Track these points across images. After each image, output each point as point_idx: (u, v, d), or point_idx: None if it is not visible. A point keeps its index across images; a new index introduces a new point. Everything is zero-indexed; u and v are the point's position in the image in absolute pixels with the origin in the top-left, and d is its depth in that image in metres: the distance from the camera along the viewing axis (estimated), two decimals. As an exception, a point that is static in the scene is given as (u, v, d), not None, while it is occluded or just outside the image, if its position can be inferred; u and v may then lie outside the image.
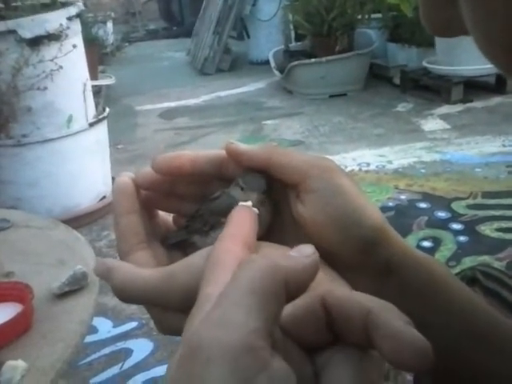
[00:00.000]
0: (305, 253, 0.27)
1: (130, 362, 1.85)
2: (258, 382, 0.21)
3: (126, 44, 7.59)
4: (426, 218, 2.56)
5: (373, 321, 0.24)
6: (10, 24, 2.45)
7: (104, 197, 2.90)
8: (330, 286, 0.34)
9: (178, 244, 0.40)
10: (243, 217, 0.33)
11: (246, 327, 0.22)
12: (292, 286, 0.25)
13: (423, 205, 2.69)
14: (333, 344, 0.26)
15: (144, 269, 0.35)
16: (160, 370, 1.79)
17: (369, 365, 0.25)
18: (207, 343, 0.22)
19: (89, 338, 1.92)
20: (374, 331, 0.24)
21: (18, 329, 1.04)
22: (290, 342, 0.26)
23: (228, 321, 0.23)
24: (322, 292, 0.27)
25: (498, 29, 0.21)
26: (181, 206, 0.41)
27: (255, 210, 0.35)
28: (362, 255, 0.36)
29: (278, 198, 0.39)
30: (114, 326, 2.04)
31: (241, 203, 0.35)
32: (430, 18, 0.26)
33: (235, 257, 0.30)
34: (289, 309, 0.26)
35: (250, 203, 0.36)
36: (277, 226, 0.39)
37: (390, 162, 3.26)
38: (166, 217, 0.42)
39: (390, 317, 0.24)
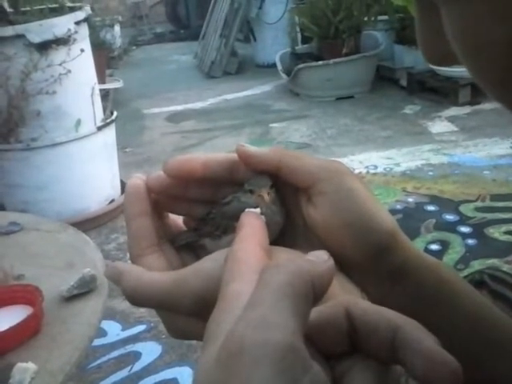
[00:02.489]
0: (322, 258, 0.27)
1: (138, 365, 1.85)
2: (303, 383, 0.22)
3: (134, 47, 7.62)
4: (434, 220, 2.55)
5: (403, 338, 0.25)
6: (18, 29, 2.47)
7: (112, 200, 2.92)
8: (340, 291, 0.34)
9: (186, 245, 0.40)
10: (253, 221, 0.34)
11: (286, 329, 0.23)
12: (317, 289, 0.26)
13: (431, 207, 2.69)
14: (349, 353, 0.27)
15: (155, 272, 0.35)
16: (169, 373, 1.80)
17: (387, 377, 0.26)
18: (251, 344, 0.22)
19: (98, 341, 1.92)
20: (405, 348, 0.25)
21: (28, 331, 1.04)
22: (311, 348, 0.27)
23: (269, 323, 0.23)
24: (346, 302, 0.27)
25: (486, 67, 0.23)
26: (191, 208, 0.41)
27: (262, 216, 0.35)
28: (372, 259, 0.37)
29: (289, 202, 0.39)
30: (122, 329, 2.04)
31: (247, 210, 0.36)
32: (427, 51, 0.28)
33: (256, 257, 0.30)
34: (312, 316, 0.26)
35: (258, 210, 0.36)
36: (288, 230, 0.39)
37: (397, 164, 3.25)
38: (175, 217, 0.42)
39: (421, 335, 0.25)
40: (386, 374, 0.26)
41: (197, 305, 0.32)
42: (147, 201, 0.38)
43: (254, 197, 0.37)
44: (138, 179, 0.39)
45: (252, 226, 0.33)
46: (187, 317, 0.34)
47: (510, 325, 0.38)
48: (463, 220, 2.53)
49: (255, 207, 0.36)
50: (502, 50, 0.22)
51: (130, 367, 1.85)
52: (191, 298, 0.33)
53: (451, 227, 2.48)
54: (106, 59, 5.20)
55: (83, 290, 1.15)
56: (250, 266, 0.29)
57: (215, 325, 0.26)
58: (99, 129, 2.79)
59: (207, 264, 0.33)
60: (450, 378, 0.23)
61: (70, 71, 2.56)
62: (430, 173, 3.08)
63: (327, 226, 0.37)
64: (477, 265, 2.15)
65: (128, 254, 0.39)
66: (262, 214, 0.36)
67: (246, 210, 0.36)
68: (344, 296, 0.34)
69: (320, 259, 0.27)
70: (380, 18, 4.67)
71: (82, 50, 2.63)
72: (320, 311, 0.27)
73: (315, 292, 0.25)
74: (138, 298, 0.35)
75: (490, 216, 2.53)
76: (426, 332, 0.25)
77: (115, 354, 1.92)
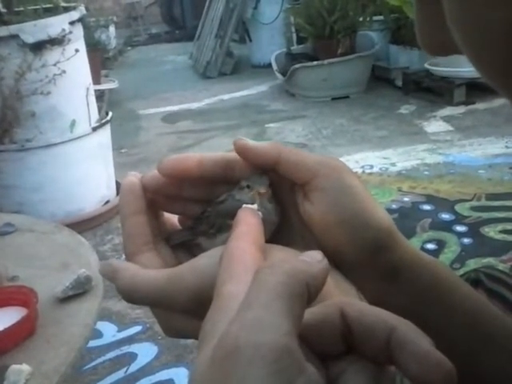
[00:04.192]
0: (316, 258, 0.27)
1: (134, 366, 1.85)
2: (298, 383, 0.22)
3: (129, 48, 7.62)
4: (429, 220, 2.56)
5: (398, 339, 0.25)
6: (12, 29, 2.46)
7: (108, 201, 2.91)
8: (336, 290, 0.34)
9: (181, 244, 0.40)
10: (250, 218, 0.34)
11: (281, 329, 0.23)
12: (311, 290, 0.26)
13: (427, 207, 2.69)
14: (344, 354, 0.27)
15: (150, 270, 0.35)
16: (165, 374, 1.79)
17: (383, 378, 0.26)
18: (246, 345, 0.22)
19: (93, 343, 1.92)
20: (400, 349, 0.25)
21: (23, 333, 1.04)
22: (306, 349, 0.26)
23: (263, 323, 0.23)
24: (341, 303, 0.27)
25: (487, 56, 0.23)
26: (186, 207, 0.41)
27: (259, 213, 0.35)
28: (369, 256, 0.36)
29: (285, 199, 0.39)
30: (118, 331, 2.04)
31: (245, 205, 0.36)
32: (425, 40, 0.28)
33: (252, 256, 0.30)
34: (307, 317, 0.26)
35: (255, 206, 0.36)
36: (284, 228, 0.39)
37: (393, 164, 3.25)
38: (171, 216, 0.42)
39: (416, 337, 0.25)
40: (381, 375, 0.26)
41: (192, 302, 0.32)
42: (142, 199, 0.38)
43: (252, 193, 0.37)
44: (133, 177, 0.39)
45: (248, 224, 0.33)
46: (183, 315, 0.34)
47: (506, 322, 0.38)
48: (459, 219, 2.53)
49: (250, 204, 0.36)
50: (503, 39, 0.21)
51: (125, 368, 1.84)
52: (186, 295, 0.32)
53: (447, 226, 2.48)
54: (100, 60, 5.19)
55: (78, 291, 1.14)
56: (245, 265, 0.29)
57: (210, 325, 0.26)
58: (94, 129, 2.78)
59: (203, 261, 0.33)
60: (444, 380, 0.23)
61: (64, 71, 2.55)
62: (426, 172, 3.09)
63: (324, 223, 0.36)
64: (472, 264, 2.15)
65: (123, 255, 0.39)
66: (258, 210, 0.36)
67: (244, 205, 0.36)
68: (340, 296, 0.34)
69: (314, 259, 0.27)
70: (375, 18, 4.68)
71: (77, 51, 2.62)
72: (315, 312, 0.27)
73: (309, 292, 0.25)
74: (133, 296, 0.34)
75: (485, 215, 2.53)
76: (420, 333, 0.25)
77: (111, 355, 1.91)
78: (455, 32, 0.24)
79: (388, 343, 0.25)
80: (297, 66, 4.66)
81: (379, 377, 0.26)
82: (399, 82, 4.59)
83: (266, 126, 4.23)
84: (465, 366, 0.36)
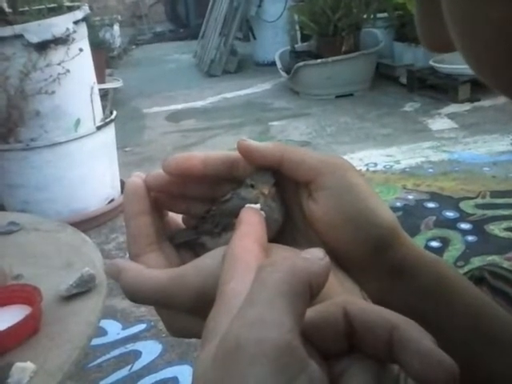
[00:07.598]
0: (317, 255, 0.27)
1: (138, 364, 1.85)
2: (299, 381, 0.22)
3: (133, 47, 7.61)
4: (434, 217, 2.55)
5: (400, 337, 0.25)
6: (17, 29, 2.47)
7: (112, 199, 2.92)
8: (339, 288, 0.34)
9: (185, 243, 0.40)
10: (252, 217, 0.34)
11: (283, 327, 0.23)
12: (313, 287, 0.26)
13: (431, 205, 2.68)
14: (347, 353, 0.27)
15: (154, 270, 0.35)
16: (169, 372, 1.80)
17: (385, 377, 0.26)
18: (247, 343, 0.22)
19: (98, 341, 1.92)
20: (402, 348, 0.25)
21: (27, 331, 1.04)
22: (309, 347, 0.26)
23: (265, 321, 0.23)
24: (344, 301, 0.27)
25: (481, 51, 0.23)
26: (190, 207, 0.41)
27: (262, 212, 0.35)
28: (373, 255, 0.36)
29: (290, 199, 0.39)
30: (122, 328, 2.04)
31: (247, 205, 0.36)
32: (425, 37, 0.28)
33: (254, 255, 0.30)
34: (310, 315, 0.26)
35: (258, 206, 0.36)
36: (288, 227, 0.39)
37: (397, 161, 3.25)
38: (175, 215, 0.42)
39: (418, 335, 0.25)
40: (384, 373, 0.26)
41: (196, 302, 0.32)
42: (146, 199, 0.38)
43: (255, 192, 0.37)
44: (137, 178, 0.39)
45: (251, 223, 0.33)
46: (186, 314, 0.34)
47: (509, 322, 0.38)
48: (463, 217, 2.52)
49: (255, 203, 0.36)
50: (499, 34, 0.21)
51: (130, 366, 1.85)
52: (189, 295, 0.33)
53: (451, 224, 2.47)
54: (105, 59, 5.19)
55: (82, 289, 1.14)
56: (247, 264, 0.29)
57: (213, 323, 0.26)
58: (99, 128, 2.78)
59: (207, 261, 0.33)
60: (446, 378, 0.23)
61: (68, 71, 2.56)
62: (430, 170, 3.08)
63: (328, 221, 0.36)
64: (477, 261, 2.15)
65: (127, 254, 0.39)
66: (261, 209, 0.36)
67: (247, 205, 0.36)
68: (343, 294, 0.34)
69: (315, 257, 0.27)
70: (379, 15, 4.66)
71: (81, 50, 2.63)
72: (318, 310, 0.27)
73: (311, 290, 0.25)
74: (137, 295, 0.35)
75: (490, 213, 2.53)
76: (423, 332, 0.25)
77: (115, 352, 1.92)
78: (452, 28, 0.23)
79: (390, 341, 0.25)
80: (301, 63, 4.66)
81: (382, 375, 0.26)
82: (404, 80, 4.57)
83: (270, 124, 4.23)
84: (467, 365, 0.36)
